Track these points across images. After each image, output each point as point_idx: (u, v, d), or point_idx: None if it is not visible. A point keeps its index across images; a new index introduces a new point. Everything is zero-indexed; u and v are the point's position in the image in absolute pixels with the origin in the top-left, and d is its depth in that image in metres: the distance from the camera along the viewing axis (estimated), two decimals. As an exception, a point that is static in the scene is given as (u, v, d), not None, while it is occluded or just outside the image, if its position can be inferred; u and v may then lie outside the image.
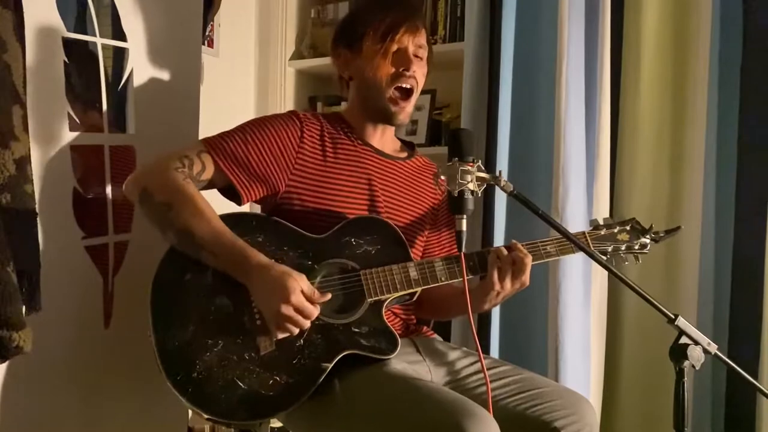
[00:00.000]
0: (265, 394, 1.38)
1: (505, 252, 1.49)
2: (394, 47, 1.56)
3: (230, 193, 1.53)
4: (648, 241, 1.60)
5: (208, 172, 1.48)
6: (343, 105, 1.88)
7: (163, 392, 1.37)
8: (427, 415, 1.27)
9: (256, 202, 1.57)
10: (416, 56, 1.59)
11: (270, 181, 1.52)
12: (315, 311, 1.36)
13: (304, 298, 1.35)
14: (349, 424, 1.38)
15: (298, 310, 1.34)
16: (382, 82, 1.57)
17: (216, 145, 1.50)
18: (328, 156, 1.57)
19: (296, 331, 1.36)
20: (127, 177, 1.50)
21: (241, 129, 1.54)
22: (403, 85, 1.57)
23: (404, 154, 1.71)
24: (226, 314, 1.41)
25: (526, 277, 1.50)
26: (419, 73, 1.60)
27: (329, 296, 1.40)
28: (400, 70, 1.57)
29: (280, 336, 1.37)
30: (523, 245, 1.51)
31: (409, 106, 1.61)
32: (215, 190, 1.55)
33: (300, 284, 1.35)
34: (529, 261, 1.49)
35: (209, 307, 1.41)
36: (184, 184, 1.43)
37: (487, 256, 1.50)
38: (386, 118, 1.61)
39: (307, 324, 1.36)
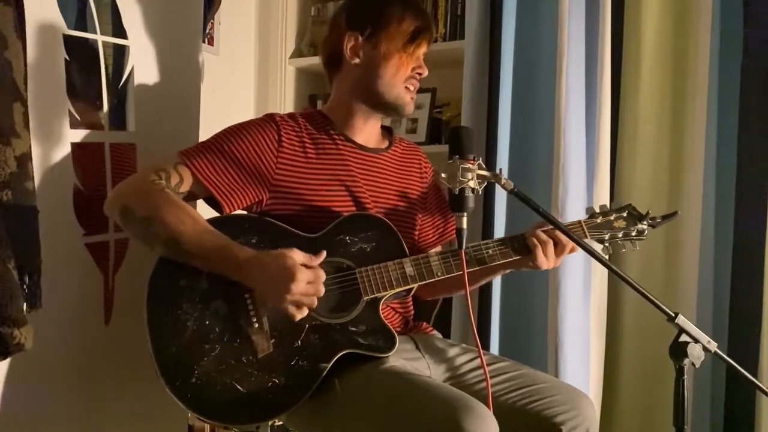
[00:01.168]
0: (264, 397, 1.38)
1: (543, 235, 1.51)
2: (418, 51, 1.59)
3: (214, 203, 1.52)
4: (645, 227, 1.59)
5: (186, 185, 1.47)
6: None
7: (164, 389, 1.37)
8: (425, 410, 1.27)
9: (243, 209, 1.55)
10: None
11: (251, 189, 1.51)
12: (322, 274, 1.37)
13: (306, 269, 1.34)
14: (350, 422, 1.39)
15: (308, 283, 1.34)
16: (400, 80, 1.58)
17: (192, 156, 1.48)
18: (309, 157, 1.55)
19: (314, 303, 1.36)
20: (118, 185, 1.51)
21: (218, 138, 1.53)
22: (411, 87, 1.60)
23: (385, 144, 1.70)
24: (223, 318, 1.41)
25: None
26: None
27: (324, 254, 1.40)
28: (416, 73, 1.60)
29: (300, 316, 1.36)
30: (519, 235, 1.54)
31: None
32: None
33: (296, 258, 1.34)
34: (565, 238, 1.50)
35: (205, 311, 1.40)
36: (162, 194, 1.41)
37: (521, 240, 1.52)
38: (396, 109, 1.61)
39: (321, 291, 1.36)
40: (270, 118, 1.56)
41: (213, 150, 1.50)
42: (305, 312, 1.36)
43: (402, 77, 1.58)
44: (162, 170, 1.46)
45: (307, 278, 1.34)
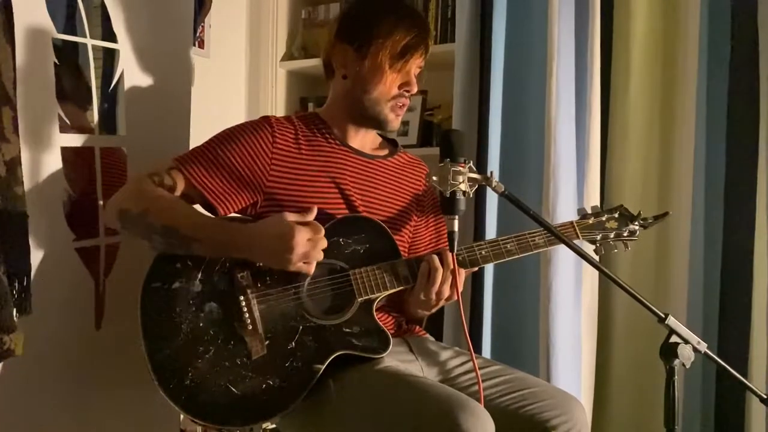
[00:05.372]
0: (259, 399, 1.38)
1: (437, 261, 1.47)
2: (407, 67, 1.56)
3: (209, 206, 1.52)
4: (637, 227, 1.60)
5: (179, 189, 1.48)
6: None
7: (155, 394, 1.37)
8: (422, 409, 1.28)
9: (237, 212, 1.55)
10: (414, 76, 1.59)
11: (245, 192, 1.51)
12: (321, 229, 1.40)
13: (303, 226, 1.38)
14: (345, 423, 1.39)
15: (309, 239, 1.38)
16: (385, 96, 1.55)
17: (186, 161, 1.49)
18: (304, 159, 1.55)
19: (321, 255, 1.39)
20: (116, 189, 1.51)
21: (212, 142, 1.53)
22: (400, 104, 1.57)
23: (385, 152, 1.70)
24: (217, 320, 1.41)
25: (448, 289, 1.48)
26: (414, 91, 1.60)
27: (315, 210, 1.44)
28: (404, 90, 1.56)
29: (311, 270, 1.40)
30: (511, 237, 1.53)
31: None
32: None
33: (289, 219, 1.39)
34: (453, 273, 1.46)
35: (199, 314, 1.41)
36: (155, 189, 1.45)
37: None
38: (379, 125, 1.60)
39: (324, 242, 1.39)
40: (265, 120, 1.56)
41: (206, 154, 1.50)
42: (314, 266, 1.40)
43: (388, 94, 1.55)
44: (155, 175, 1.47)
45: (307, 233, 1.37)
